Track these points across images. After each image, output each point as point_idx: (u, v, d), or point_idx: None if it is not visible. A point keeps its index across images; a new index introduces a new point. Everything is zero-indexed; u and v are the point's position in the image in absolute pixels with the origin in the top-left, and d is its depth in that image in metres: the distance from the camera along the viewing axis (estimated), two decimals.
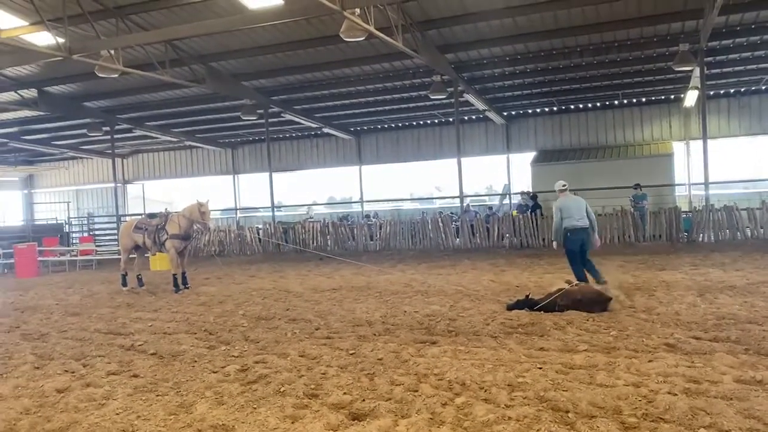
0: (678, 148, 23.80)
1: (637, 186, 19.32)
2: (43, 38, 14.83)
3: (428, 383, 5.34)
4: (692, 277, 10.96)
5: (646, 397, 4.71)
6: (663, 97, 23.79)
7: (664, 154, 22.90)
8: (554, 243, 10.22)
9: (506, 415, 4.47)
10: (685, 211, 19.09)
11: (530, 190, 22.17)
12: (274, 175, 24.42)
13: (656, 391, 4.83)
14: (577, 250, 9.88)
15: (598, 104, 24.83)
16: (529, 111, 25.96)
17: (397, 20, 14.22)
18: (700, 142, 18.92)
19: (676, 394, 4.73)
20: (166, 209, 14.10)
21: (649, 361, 5.71)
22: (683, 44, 16.72)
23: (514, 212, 20.72)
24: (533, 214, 19.31)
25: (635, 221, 18.22)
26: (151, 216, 13.65)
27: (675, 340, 6.42)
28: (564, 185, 10.26)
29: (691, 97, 21.03)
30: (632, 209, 18.70)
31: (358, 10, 12.47)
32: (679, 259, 13.96)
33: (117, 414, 4.99)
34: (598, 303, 8.20)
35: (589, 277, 9.85)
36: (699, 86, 18.38)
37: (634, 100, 24.27)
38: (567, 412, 4.52)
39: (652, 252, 15.58)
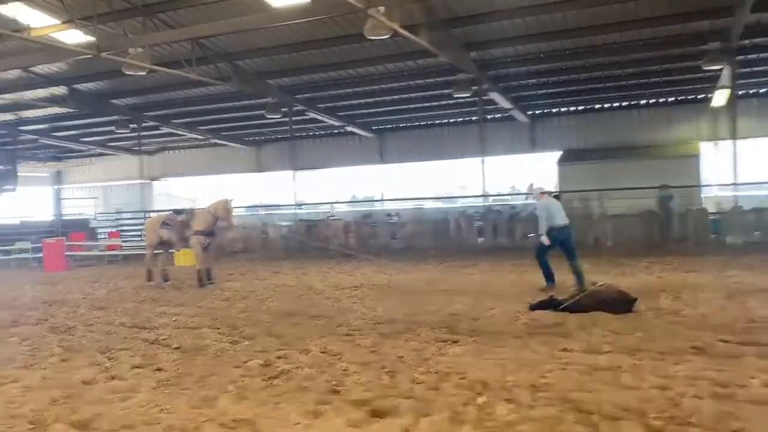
0: (706, 148, 23.39)
1: (664, 187, 19.04)
2: (73, 36, 15.08)
3: (450, 382, 5.31)
4: (720, 280, 10.77)
5: (672, 400, 4.63)
6: (691, 97, 23.38)
7: (691, 154, 22.53)
8: (543, 238, 10.67)
9: (529, 416, 4.42)
10: (713, 213, 18.77)
11: (553, 190, 21.95)
12: (298, 173, 24.51)
13: (683, 394, 4.75)
14: (556, 246, 10.60)
15: (625, 103, 24.50)
16: (554, 110, 25.72)
17: (422, 18, 14.18)
18: (729, 143, 18.60)
19: (703, 398, 4.64)
20: (191, 206, 14.24)
21: (676, 363, 5.61)
22: (713, 43, 16.43)
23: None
24: None
25: (661, 222, 17.96)
26: (177, 212, 13.81)
27: (702, 343, 6.29)
28: (543, 189, 11.44)
29: (720, 97, 20.65)
30: (658, 210, 18.43)
31: (382, 8, 12.46)
32: (707, 261, 13.73)
33: (141, 407, 5.04)
34: (622, 304, 8.09)
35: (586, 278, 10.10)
36: (729, 85, 18.05)
37: (662, 100, 23.91)
38: (591, 413, 4.46)
39: (679, 254, 15.34)
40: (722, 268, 12.43)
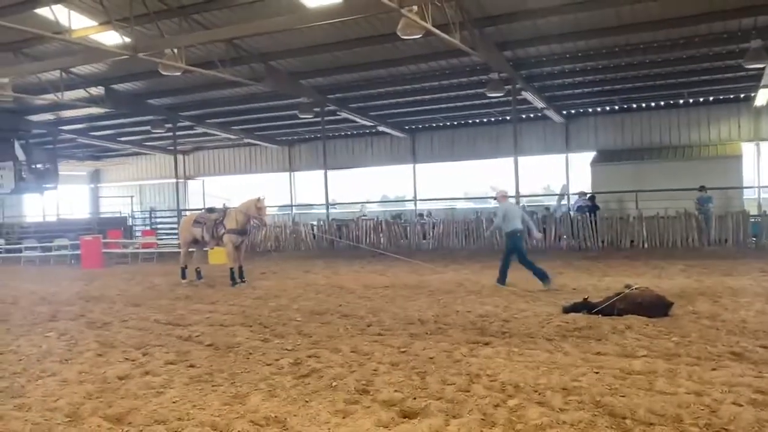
0: (747, 149, 22.79)
1: (702, 188, 18.61)
2: (111, 37, 15.37)
3: (480, 384, 5.27)
4: (761, 284, 10.48)
5: (709, 407, 4.52)
6: (732, 96, 22.77)
7: (732, 155, 21.97)
8: (488, 233, 11.76)
9: (560, 419, 4.36)
10: (754, 215, 18.26)
11: (586, 191, 21.68)
12: (329, 172, 24.62)
13: (720, 400, 4.62)
14: (519, 247, 11.36)
15: (662, 103, 23.99)
16: (590, 109, 25.32)
17: (455, 17, 14.09)
18: None
19: (741, 405, 4.51)
20: (224, 204, 14.41)
21: (713, 369, 5.47)
22: (755, 40, 15.97)
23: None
24: (593, 215, 18.86)
25: (699, 224, 17.57)
26: (210, 211, 13.99)
27: (741, 348, 6.13)
28: (505, 192, 12.27)
29: (762, 96, 20.09)
30: (696, 212, 18.03)
31: (415, 8, 12.41)
32: (747, 264, 13.37)
33: (174, 402, 5.11)
34: (658, 307, 7.94)
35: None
36: None
37: (701, 99, 23.34)
38: (624, 418, 4.37)
39: (718, 257, 14.98)
40: (762, 271, 12.09)
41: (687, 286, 10.49)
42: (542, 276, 10.94)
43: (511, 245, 11.40)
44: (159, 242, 24.11)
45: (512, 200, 11.99)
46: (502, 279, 11.37)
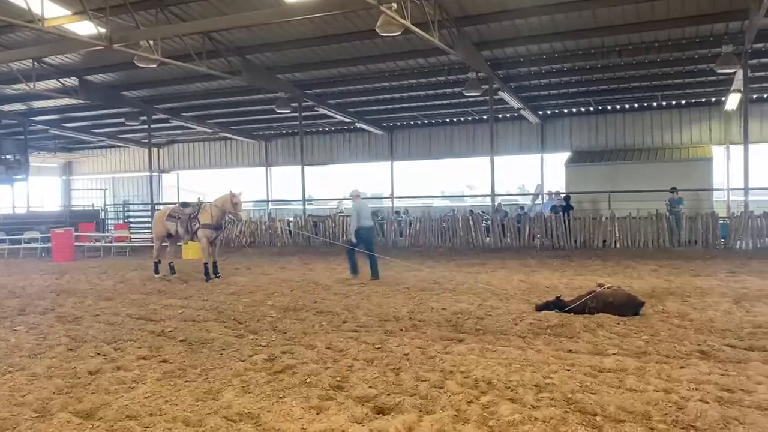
0: (717, 152, 23.24)
1: (674, 190, 18.94)
2: (85, 28, 15.12)
3: (454, 380, 5.32)
4: (728, 284, 10.70)
5: (677, 404, 4.61)
6: (703, 100, 23.22)
7: (702, 158, 22.38)
8: (353, 237, 12.55)
9: (532, 416, 4.42)
10: (723, 217, 18.64)
11: (561, 191, 21.94)
12: (306, 168, 24.54)
13: (687, 398, 4.73)
14: (371, 241, 12.73)
15: (636, 105, 24.36)
16: (565, 110, 25.60)
17: (434, 16, 14.13)
18: (740, 147, 18.46)
19: (708, 402, 4.62)
20: (198, 199, 14.28)
21: (681, 367, 5.59)
22: (726, 46, 16.28)
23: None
24: (566, 215, 19.07)
25: (670, 225, 17.87)
26: (184, 205, 13.85)
27: (708, 347, 6.27)
28: (358, 192, 13.03)
29: (732, 100, 20.49)
30: (667, 213, 18.34)
31: (394, 5, 12.42)
32: (715, 265, 13.64)
33: (146, 397, 5.07)
34: (629, 306, 8.07)
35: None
36: (741, 89, 17.91)
37: (674, 102, 23.75)
38: (594, 415, 4.45)
39: (687, 257, 15.25)
40: (730, 272, 12.35)
41: (657, 285, 10.67)
42: (375, 270, 12.39)
43: (365, 239, 12.58)
44: (132, 236, 23.79)
45: (365, 201, 13.76)
46: (354, 268, 12.64)
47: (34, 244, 21.57)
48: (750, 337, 6.71)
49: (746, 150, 17.52)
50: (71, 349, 6.87)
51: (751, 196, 18.19)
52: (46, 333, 7.79)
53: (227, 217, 13.25)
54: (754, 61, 17.86)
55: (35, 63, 18.95)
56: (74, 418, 4.65)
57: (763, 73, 19.34)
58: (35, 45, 17.20)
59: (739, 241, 17.15)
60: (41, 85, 20.50)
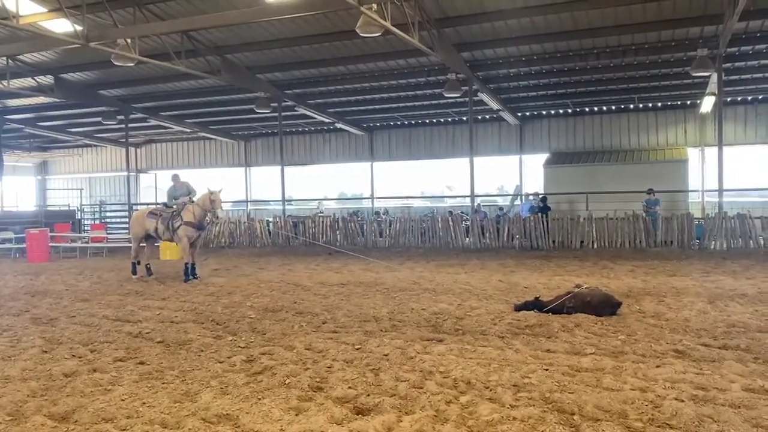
0: (693, 154, 23.61)
1: (650, 191, 19.19)
2: (61, 25, 14.91)
3: (433, 381, 5.33)
4: (703, 284, 10.86)
5: (653, 403, 4.67)
6: (679, 103, 23.60)
7: (678, 159, 22.72)
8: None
9: (511, 416, 4.44)
10: (698, 218, 18.92)
11: (539, 192, 22.12)
12: (286, 168, 24.46)
13: (663, 396, 4.79)
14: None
15: (614, 107, 24.65)
16: (544, 112, 25.83)
17: (414, 17, 14.18)
18: (715, 149, 18.76)
19: (683, 401, 4.68)
20: (187, 195, 13.99)
21: (657, 366, 5.66)
22: (701, 49, 16.56)
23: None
24: (544, 215, 19.23)
25: (647, 226, 18.10)
26: (167, 206, 13.71)
27: (684, 346, 6.36)
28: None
29: (707, 103, 20.83)
30: (644, 214, 18.58)
31: (375, 6, 12.45)
32: (690, 265, 13.85)
33: (122, 400, 5.01)
34: (606, 306, 8.15)
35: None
36: (716, 92, 18.20)
37: (650, 105, 24.09)
38: (572, 414, 4.49)
39: (663, 258, 15.47)
40: (705, 272, 12.55)
41: (634, 285, 10.80)
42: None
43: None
44: (109, 236, 23.51)
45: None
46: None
47: (8, 245, 21.19)
48: (724, 336, 6.82)
49: (720, 152, 17.81)
50: (46, 351, 6.76)
51: (725, 197, 18.49)
52: (20, 335, 7.65)
53: (208, 217, 13.15)
54: (728, 65, 18.18)
55: (9, 61, 18.66)
56: (49, 421, 4.58)
57: (736, 77, 19.69)
58: (10, 42, 16.93)
59: (713, 242, 17.42)
60: (16, 83, 20.18)
